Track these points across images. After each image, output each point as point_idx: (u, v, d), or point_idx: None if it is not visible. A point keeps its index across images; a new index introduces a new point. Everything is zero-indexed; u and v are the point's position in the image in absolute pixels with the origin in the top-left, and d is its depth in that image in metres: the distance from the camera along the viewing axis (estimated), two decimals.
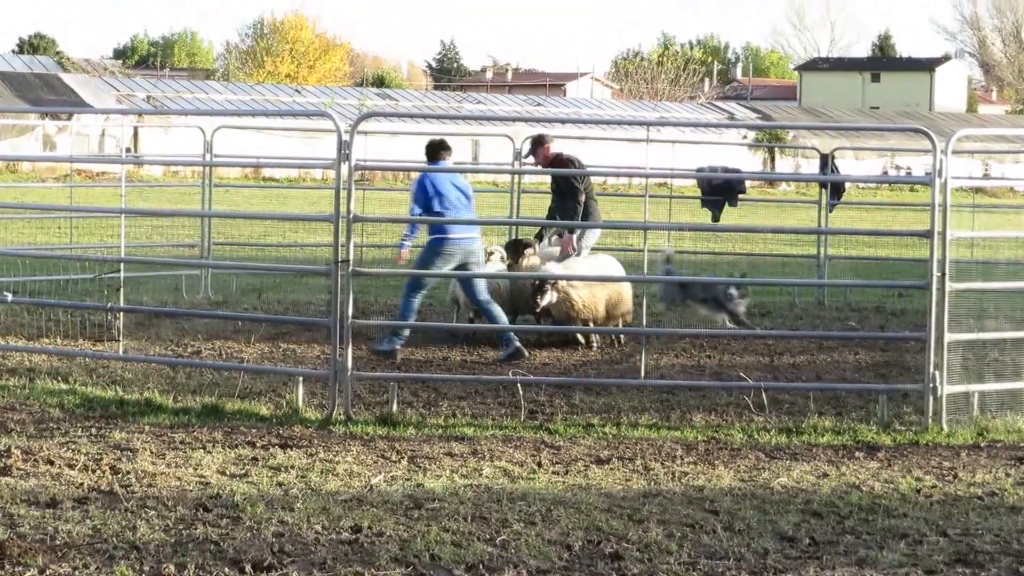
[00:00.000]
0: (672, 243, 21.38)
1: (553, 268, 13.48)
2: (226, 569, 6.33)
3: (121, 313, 12.38)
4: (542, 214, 15.45)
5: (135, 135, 48.40)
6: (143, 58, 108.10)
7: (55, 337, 13.20)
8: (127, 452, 8.63)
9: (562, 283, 13.09)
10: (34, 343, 12.88)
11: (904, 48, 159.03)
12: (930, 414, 9.98)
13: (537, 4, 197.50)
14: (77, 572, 6.25)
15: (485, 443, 9.21)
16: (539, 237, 14.62)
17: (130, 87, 58.63)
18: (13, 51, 76.04)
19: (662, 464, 8.76)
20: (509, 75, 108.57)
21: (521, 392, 10.57)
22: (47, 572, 6.23)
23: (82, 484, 7.81)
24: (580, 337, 13.51)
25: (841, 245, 22.03)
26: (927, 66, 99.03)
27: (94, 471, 8.12)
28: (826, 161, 20.27)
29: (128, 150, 42.87)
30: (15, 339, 13.02)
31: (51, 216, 23.03)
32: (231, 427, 9.51)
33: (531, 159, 15.02)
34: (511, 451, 9.00)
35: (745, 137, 59.70)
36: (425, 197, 12.54)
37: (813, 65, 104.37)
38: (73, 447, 8.71)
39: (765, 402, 10.54)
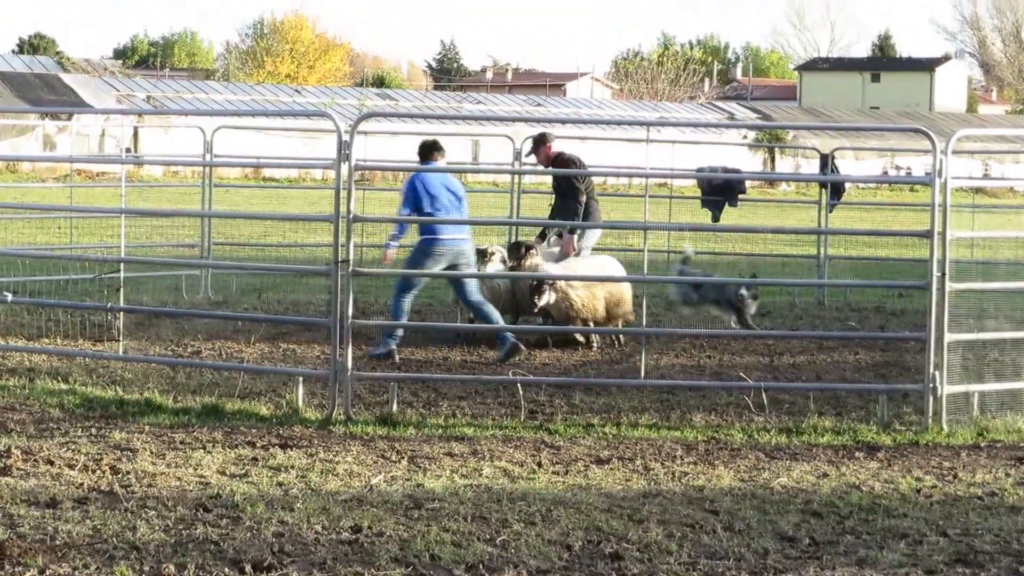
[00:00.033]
0: (672, 243, 21.42)
1: (551, 268, 13.47)
2: (226, 569, 6.33)
3: (121, 313, 12.38)
4: (542, 214, 15.46)
5: (135, 135, 48.40)
6: (143, 58, 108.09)
7: (55, 337, 13.20)
8: (127, 452, 8.63)
9: (561, 283, 13.09)
10: (34, 343, 12.88)
11: (904, 48, 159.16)
12: (930, 414, 9.98)
13: (537, 4, 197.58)
14: (77, 572, 6.25)
15: (485, 443, 9.21)
16: (542, 237, 14.60)
17: (130, 87, 58.63)
18: (13, 51, 76.06)
19: (662, 464, 8.76)
20: (509, 75, 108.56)
21: (521, 392, 10.57)
22: (47, 572, 6.23)
23: (82, 484, 7.81)
24: (580, 337, 13.51)
25: (841, 245, 22.04)
26: (927, 66, 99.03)
27: (94, 471, 8.12)
28: (826, 161, 20.28)
29: (128, 150, 42.87)
30: (15, 339, 13.02)
31: (51, 216, 23.04)
32: (231, 427, 9.51)
33: (532, 158, 15.02)
34: (511, 451, 9.00)
35: (745, 137, 59.70)
36: (416, 198, 12.55)
37: (813, 65, 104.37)
38: (73, 447, 8.71)
39: (765, 402, 10.55)
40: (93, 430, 9.26)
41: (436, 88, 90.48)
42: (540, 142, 14.40)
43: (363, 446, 9.03)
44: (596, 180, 15.69)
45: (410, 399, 10.74)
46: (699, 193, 22.84)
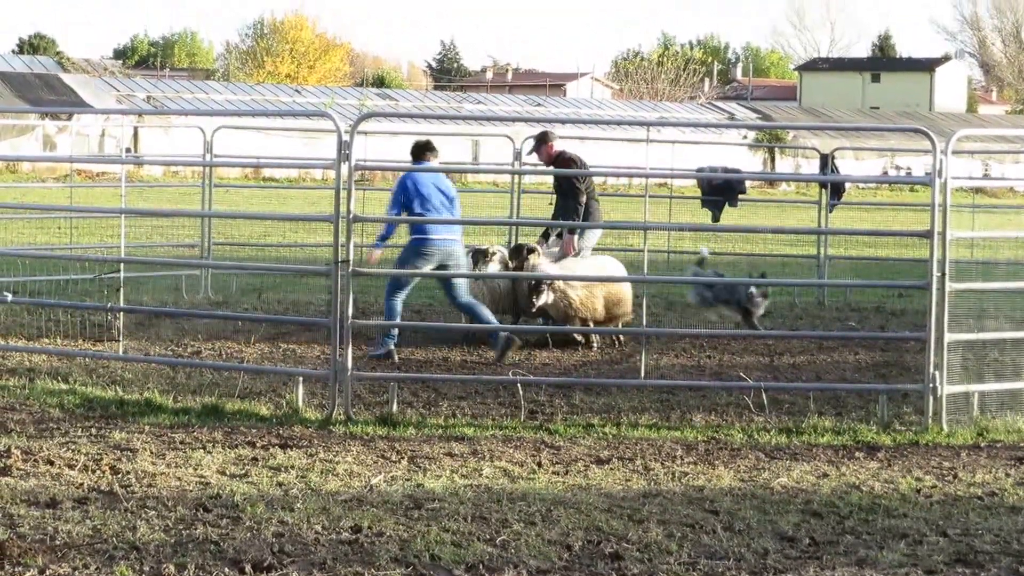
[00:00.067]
0: (672, 243, 21.43)
1: (549, 268, 13.46)
2: (226, 569, 6.33)
3: (121, 313, 12.38)
4: (542, 214, 15.46)
5: (135, 135, 48.40)
6: (143, 58, 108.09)
7: (55, 337, 13.20)
8: (127, 452, 8.63)
9: (559, 283, 13.09)
10: (34, 343, 12.88)
11: (904, 48, 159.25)
12: (930, 414, 9.98)
13: (537, 4, 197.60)
14: (77, 572, 6.25)
15: (485, 443, 9.21)
16: (545, 237, 14.58)
17: (130, 87, 58.63)
18: (13, 51, 76.04)
19: (662, 464, 8.76)
20: (509, 75, 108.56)
21: (521, 392, 10.57)
22: (47, 572, 6.23)
23: (82, 484, 7.81)
24: (579, 337, 13.50)
25: (841, 245, 22.04)
26: (927, 66, 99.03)
27: (94, 471, 8.12)
28: (826, 161, 20.28)
29: (128, 150, 42.87)
30: (15, 339, 13.02)
31: (51, 216, 23.04)
32: (231, 427, 9.51)
33: (532, 158, 15.02)
34: (511, 451, 9.00)
35: (745, 137, 59.70)
36: (405, 197, 12.56)
37: (813, 65, 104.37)
38: (73, 447, 8.71)
39: (765, 402, 10.55)
40: (93, 430, 9.26)
41: (436, 88, 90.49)
42: (542, 141, 14.38)
43: (363, 446, 9.03)
44: (596, 180, 15.66)
45: (410, 399, 10.74)
46: (699, 193, 22.84)
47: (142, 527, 6.93)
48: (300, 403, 10.14)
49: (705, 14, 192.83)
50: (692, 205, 25.33)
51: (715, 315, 14.84)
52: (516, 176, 17.76)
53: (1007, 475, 8.65)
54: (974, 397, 10.31)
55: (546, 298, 13.12)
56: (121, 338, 12.32)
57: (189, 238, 20.70)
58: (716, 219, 21.64)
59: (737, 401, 10.80)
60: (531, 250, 13.47)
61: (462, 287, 12.95)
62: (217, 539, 6.76)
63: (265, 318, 14.67)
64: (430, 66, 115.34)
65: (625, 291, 13.73)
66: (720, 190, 21.54)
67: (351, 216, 10.07)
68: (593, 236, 14.67)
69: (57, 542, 6.66)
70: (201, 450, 8.76)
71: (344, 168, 9.93)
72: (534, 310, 13.27)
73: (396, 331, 12.79)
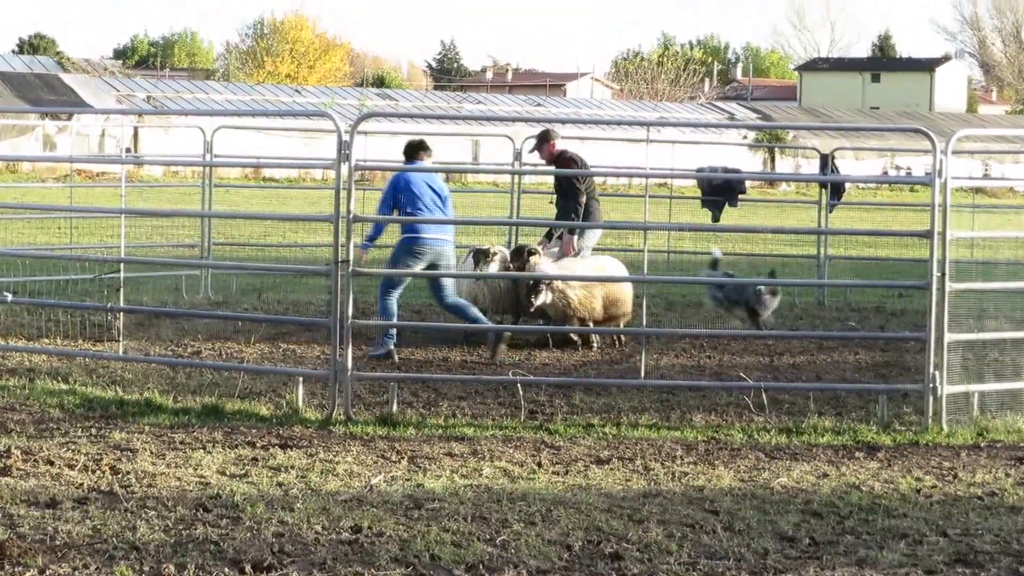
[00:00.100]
0: (672, 243, 21.44)
1: (548, 268, 13.46)
2: (226, 569, 6.33)
3: (121, 313, 12.37)
4: (542, 214, 15.45)
5: (135, 135, 48.40)
6: (143, 58, 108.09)
7: (55, 337, 13.20)
8: (127, 452, 8.63)
9: (558, 283, 13.09)
10: (34, 343, 12.88)
11: (904, 48, 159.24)
12: (930, 414, 9.98)
13: (537, 4, 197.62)
14: (77, 572, 6.25)
15: (485, 443, 9.21)
16: (548, 237, 14.57)
17: (130, 87, 58.63)
18: (13, 51, 76.03)
19: (662, 464, 8.75)
20: (509, 75, 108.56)
21: (521, 392, 10.56)
22: (47, 572, 6.23)
23: (82, 484, 7.81)
24: (575, 337, 13.49)
25: (841, 245, 22.04)
26: (927, 66, 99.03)
27: (94, 471, 8.12)
28: (826, 161, 20.28)
29: (128, 150, 42.86)
30: (15, 339, 13.02)
31: (51, 216, 23.04)
32: (231, 427, 9.51)
33: (532, 157, 15.01)
34: (511, 451, 9.00)
35: (745, 137, 59.70)
36: (395, 197, 12.59)
37: (813, 65, 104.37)
38: (73, 447, 8.71)
39: (765, 402, 10.54)
40: (93, 430, 9.26)
41: (436, 88, 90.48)
42: (544, 139, 14.36)
43: (363, 446, 9.03)
44: (596, 180, 15.65)
45: (410, 399, 10.74)
46: (699, 193, 22.83)
47: (142, 527, 6.93)
48: (300, 403, 10.14)
49: (705, 14, 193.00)
50: (692, 205, 25.32)
51: (735, 318, 14.70)
52: (516, 176, 17.76)
53: (1007, 475, 8.65)
54: (974, 397, 10.31)
55: (545, 298, 13.12)
56: (121, 338, 12.32)
57: (189, 238, 20.70)
58: (716, 219, 21.63)
59: (737, 401, 10.80)
60: (532, 251, 13.46)
61: (449, 288, 12.99)
62: (217, 539, 6.76)
63: (265, 318, 14.67)
64: (430, 66, 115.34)
65: (624, 291, 13.71)
66: (720, 190, 21.53)
67: (351, 216, 10.07)
68: (593, 236, 14.67)
69: (57, 542, 6.66)
70: (201, 450, 8.76)
71: (344, 168, 9.93)
72: (532, 310, 13.27)
73: (395, 330, 12.80)
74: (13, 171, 42.17)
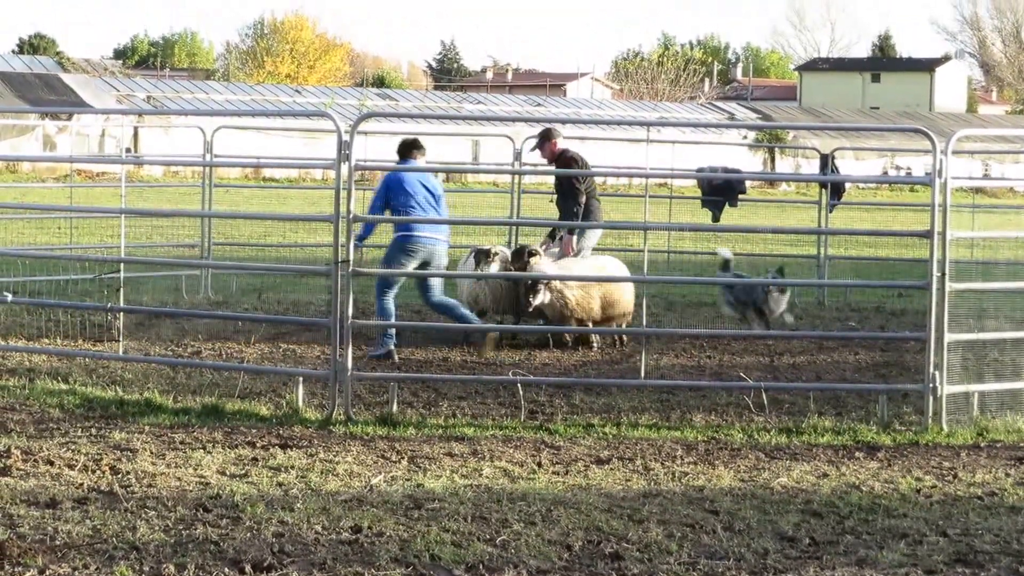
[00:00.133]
0: (672, 243, 21.43)
1: (546, 268, 13.45)
2: (226, 569, 6.33)
3: (121, 313, 12.37)
4: (542, 214, 15.44)
5: (135, 135, 48.41)
6: (143, 58, 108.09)
7: (55, 337, 13.20)
8: (127, 452, 8.63)
9: (556, 283, 13.09)
10: (34, 343, 12.88)
11: (904, 48, 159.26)
12: (930, 414, 9.98)
13: (537, 4, 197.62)
14: (77, 572, 6.25)
15: (485, 443, 9.21)
16: (552, 237, 14.56)
17: (130, 87, 58.63)
18: (13, 51, 76.04)
19: (662, 464, 8.75)
20: (509, 75, 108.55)
21: (521, 392, 10.56)
22: (47, 572, 6.23)
23: (82, 484, 7.81)
24: (567, 338, 13.49)
25: (841, 245, 22.04)
26: (927, 66, 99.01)
27: (94, 471, 8.12)
28: (826, 161, 20.29)
29: (128, 150, 42.87)
30: (15, 339, 13.02)
31: (51, 216, 23.04)
32: (231, 427, 9.51)
33: (532, 157, 15.00)
34: (511, 451, 9.00)
35: (745, 137, 59.70)
36: (387, 196, 12.61)
37: (813, 65, 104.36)
38: (73, 447, 8.71)
39: (765, 402, 10.54)
40: (93, 430, 9.26)
41: (436, 88, 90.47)
42: (546, 138, 14.35)
43: (363, 446, 9.03)
44: (596, 180, 15.64)
45: (410, 399, 10.74)
46: (699, 193, 22.85)
47: (142, 527, 6.93)
48: (300, 403, 10.14)
49: (705, 14, 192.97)
50: (692, 205, 25.34)
51: (748, 320, 14.63)
52: (516, 176, 17.76)
53: (1007, 475, 8.65)
54: (974, 397, 10.31)
55: (543, 298, 13.12)
56: (121, 338, 12.32)
57: (189, 238, 20.70)
58: (716, 219, 21.65)
59: (737, 401, 10.80)
60: (532, 252, 13.45)
61: (437, 287, 13.05)
62: (217, 539, 6.76)
63: (265, 318, 14.67)
64: (430, 66, 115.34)
65: (623, 291, 13.68)
66: (720, 190, 21.55)
67: (351, 216, 10.07)
68: (594, 236, 14.66)
69: (57, 542, 6.65)
70: (201, 450, 8.76)
71: (344, 168, 9.93)
72: (531, 309, 13.27)
73: (394, 330, 12.80)
74: (13, 171, 42.18)
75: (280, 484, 7.94)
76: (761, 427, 9.96)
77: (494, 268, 13.51)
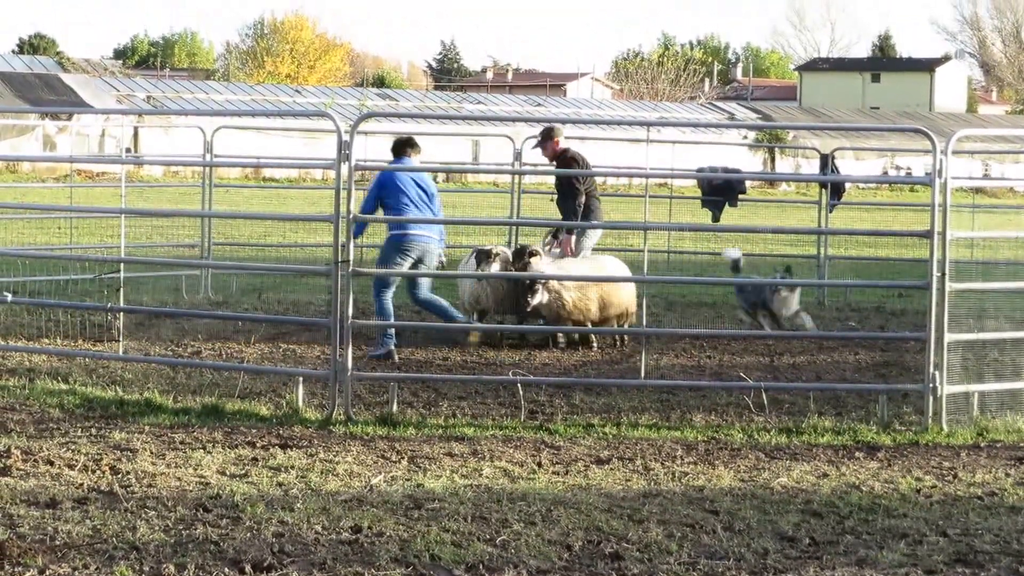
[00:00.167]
0: (672, 243, 21.43)
1: (545, 267, 13.45)
2: (226, 569, 6.33)
3: (121, 313, 12.37)
4: (543, 214, 15.43)
5: (135, 135, 48.40)
6: (143, 58, 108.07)
7: (55, 337, 13.20)
8: (127, 452, 8.63)
9: (554, 283, 13.09)
10: (34, 343, 12.88)
11: (904, 48, 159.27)
12: (930, 414, 9.98)
13: (537, 4, 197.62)
14: (77, 572, 6.25)
15: (485, 443, 9.21)
16: (554, 236, 14.55)
17: (130, 87, 58.63)
18: (13, 51, 76.04)
19: (662, 464, 8.75)
20: (509, 75, 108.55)
21: (521, 392, 10.56)
22: (47, 572, 6.23)
23: (82, 484, 7.81)
24: (561, 338, 13.49)
25: (841, 245, 22.04)
26: (927, 66, 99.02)
27: (94, 471, 8.12)
28: (826, 161, 20.28)
29: (128, 150, 42.86)
30: (15, 339, 13.02)
31: (51, 216, 23.04)
32: (231, 427, 9.51)
33: (535, 155, 14.99)
34: (511, 451, 9.00)
35: (745, 137, 59.69)
36: (379, 194, 12.63)
37: (813, 65, 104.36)
38: (73, 447, 8.71)
39: (765, 402, 10.54)
40: (93, 430, 9.26)
41: (436, 88, 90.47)
42: (547, 136, 14.34)
43: (363, 446, 9.03)
44: (596, 180, 15.63)
45: (410, 399, 10.74)
46: (699, 193, 22.84)
47: (142, 527, 6.93)
48: (300, 403, 10.14)
49: (705, 14, 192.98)
50: (692, 205, 25.33)
51: (760, 321, 14.58)
52: (516, 176, 17.76)
53: (1007, 475, 8.65)
54: (974, 397, 10.31)
55: (541, 298, 13.12)
56: (121, 338, 12.32)
57: (189, 238, 20.70)
58: (716, 219, 21.65)
59: (737, 401, 10.80)
60: (533, 252, 13.46)
61: (424, 285, 13.10)
62: (217, 539, 6.76)
63: (265, 318, 14.67)
64: (430, 66, 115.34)
65: (622, 291, 13.67)
66: (720, 190, 21.54)
67: (351, 216, 10.08)
68: (594, 236, 14.66)
69: (57, 542, 6.65)
70: (201, 450, 8.76)
71: (344, 168, 9.93)
72: (529, 309, 13.28)
73: (394, 330, 12.81)
74: (13, 171, 42.18)
75: (280, 484, 7.94)
76: (761, 427, 9.96)
77: (495, 268, 13.50)
